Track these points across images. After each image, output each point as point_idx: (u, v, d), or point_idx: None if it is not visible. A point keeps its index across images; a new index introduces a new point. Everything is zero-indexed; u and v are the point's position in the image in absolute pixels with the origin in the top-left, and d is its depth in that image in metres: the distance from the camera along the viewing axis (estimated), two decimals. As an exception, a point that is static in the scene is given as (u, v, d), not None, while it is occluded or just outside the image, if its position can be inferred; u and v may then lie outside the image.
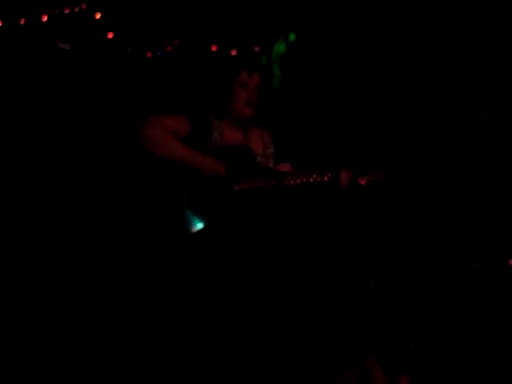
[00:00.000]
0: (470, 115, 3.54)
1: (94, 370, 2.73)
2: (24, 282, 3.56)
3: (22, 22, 4.35)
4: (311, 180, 2.83)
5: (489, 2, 3.44)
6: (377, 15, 3.91)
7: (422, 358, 2.73)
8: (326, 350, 2.77)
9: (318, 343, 2.82)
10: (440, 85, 3.67)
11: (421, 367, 2.67)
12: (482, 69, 3.50)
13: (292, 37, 4.21)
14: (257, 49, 4.34)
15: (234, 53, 4.42)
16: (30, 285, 3.54)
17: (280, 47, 4.21)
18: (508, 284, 3.03)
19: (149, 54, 4.75)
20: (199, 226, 2.75)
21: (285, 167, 2.96)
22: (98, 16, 4.42)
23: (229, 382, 2.63)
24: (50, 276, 3.69)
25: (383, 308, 3.02)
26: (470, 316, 2.93)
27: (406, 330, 2.88)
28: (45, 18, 4.39)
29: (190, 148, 2.76)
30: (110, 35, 4.60)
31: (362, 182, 2.88)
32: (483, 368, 2.68)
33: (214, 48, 4.44)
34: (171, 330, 2.85)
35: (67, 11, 4.41)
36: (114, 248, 3.91)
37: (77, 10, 4.39)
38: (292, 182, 2.82)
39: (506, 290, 3.01)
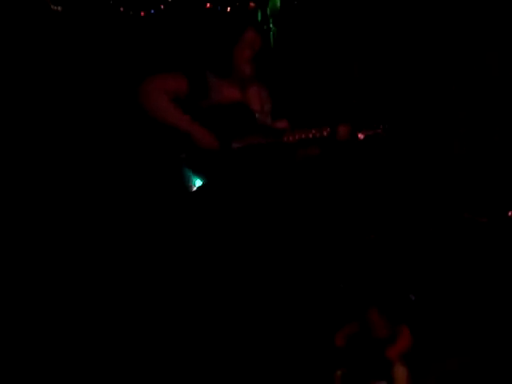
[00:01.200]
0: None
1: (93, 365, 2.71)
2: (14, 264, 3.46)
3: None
4: (310, 136, 2.83)
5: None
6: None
7: (422, 309, 2.76)
8: (328, 302, 2.80)
9: (319, 296, 2.84)
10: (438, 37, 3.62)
11: (421, 318, 2.70)
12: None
13: (287, -8, 4.17)
14: (252, 5, 4.30)
15: (228, 9, 4.38)
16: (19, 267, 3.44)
17: (275, 2, 4.18)
18: (508, 236, 3.04)
19: (142, 13, 4.70)
20: (198, 184, 2.76)
21: (282, 124, 2.95)
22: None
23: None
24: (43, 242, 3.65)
25: (384, 261, 3.04)
26: (469, 268, 2.95)
27: (406, 282, 2.90)
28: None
29: (185, 116, 2.75)
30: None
31: (361, 137, 2.87)
32: (482, 319, 2.71)
33: (207, 5, 4.39)
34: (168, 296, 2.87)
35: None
36: (111, 209, 3.91)
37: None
38: (291, 138, 2.82)
39: (506, 242, 3.02)
